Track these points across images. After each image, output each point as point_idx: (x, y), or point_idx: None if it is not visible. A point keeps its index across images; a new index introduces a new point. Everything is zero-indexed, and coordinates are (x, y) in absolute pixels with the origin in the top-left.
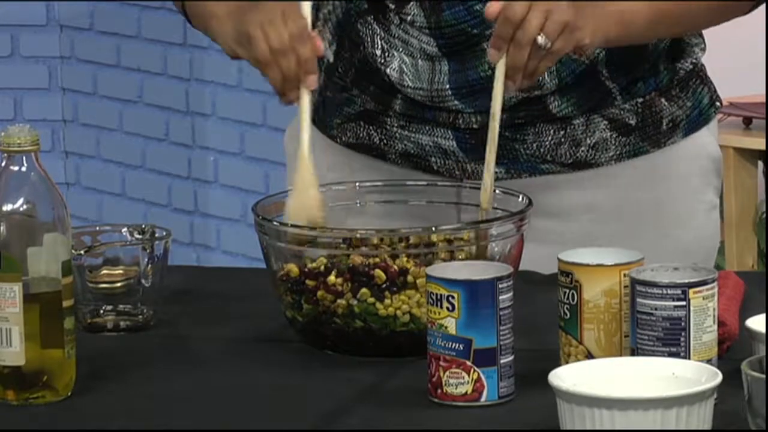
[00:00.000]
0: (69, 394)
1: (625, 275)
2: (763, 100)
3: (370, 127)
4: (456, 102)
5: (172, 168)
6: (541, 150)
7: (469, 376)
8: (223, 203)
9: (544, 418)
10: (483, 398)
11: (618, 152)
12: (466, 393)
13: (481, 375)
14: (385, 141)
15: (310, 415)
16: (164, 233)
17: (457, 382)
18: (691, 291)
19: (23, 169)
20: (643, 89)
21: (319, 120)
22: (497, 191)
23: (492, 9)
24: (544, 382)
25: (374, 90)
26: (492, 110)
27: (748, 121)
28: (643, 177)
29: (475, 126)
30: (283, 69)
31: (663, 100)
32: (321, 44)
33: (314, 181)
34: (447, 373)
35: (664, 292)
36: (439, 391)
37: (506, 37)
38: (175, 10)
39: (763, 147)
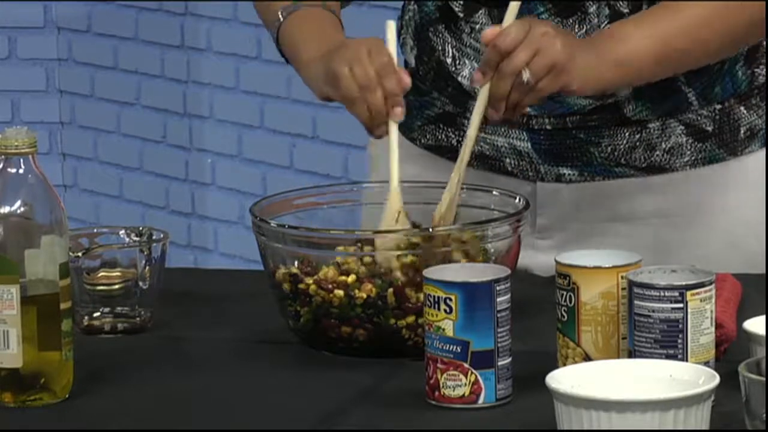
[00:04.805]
0: (66, 396)
1: (622, 277)
2: None
3: (449, 130)
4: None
5: (169, 170)
6: (616, 153)
7: (466, 378)
8: (221, 205)
9: (542, 421)
10: (480, 400)
11: (693, 158)
12: (463, 395)
13: (479, 377)
14: (462, 143)
15: (307, 416)
16: (162, 235)
17: (455, 384)
18: (688, 293)
19: (21, 171)
20: (721, 94)
21: (401, 123)
22: (495, 192)
23: (487, 34)
24: (541, 385)
25: (452, 92)
26: (468, 133)
27: None
28: (717, 184)
29: (548, 127)
30: (370, 104)
31: (742, 107)
32: (407, 78)
33: (403, 216)
34: (444, 375)
35: (662, 294)
36: (436, 393)
37: (492, 64)
38: (173, 12)
39: None
